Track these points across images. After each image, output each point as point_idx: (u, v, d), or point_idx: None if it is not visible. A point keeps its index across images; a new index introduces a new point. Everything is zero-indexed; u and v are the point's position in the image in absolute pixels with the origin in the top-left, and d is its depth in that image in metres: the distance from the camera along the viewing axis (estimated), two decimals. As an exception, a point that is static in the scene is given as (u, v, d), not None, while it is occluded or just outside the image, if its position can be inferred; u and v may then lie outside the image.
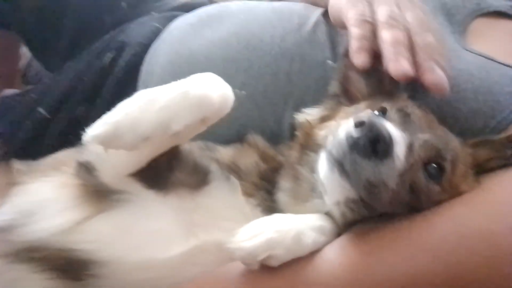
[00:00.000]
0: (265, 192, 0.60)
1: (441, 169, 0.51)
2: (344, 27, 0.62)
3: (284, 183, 0.59)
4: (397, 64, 0.52)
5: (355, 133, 0.45)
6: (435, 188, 0.51)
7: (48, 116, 0.80)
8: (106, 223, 0.55)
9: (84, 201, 0.57)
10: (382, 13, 0.56)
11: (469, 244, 0.47)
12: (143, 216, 0.56)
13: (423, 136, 0.51)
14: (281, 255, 0.47)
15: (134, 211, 0.56)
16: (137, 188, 0.56)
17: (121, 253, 0.54)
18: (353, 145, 0.45)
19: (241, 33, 0.76)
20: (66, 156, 0.66)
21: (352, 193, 0.48)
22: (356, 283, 0.46)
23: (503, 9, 0.76)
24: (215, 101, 0.53)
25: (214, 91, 0.53)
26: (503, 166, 0.55)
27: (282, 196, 0.58)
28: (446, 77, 0.53)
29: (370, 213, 0.51)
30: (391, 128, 0.47)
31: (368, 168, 0.45)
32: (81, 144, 0.63)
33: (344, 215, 0.52)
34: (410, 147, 0.48)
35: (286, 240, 0.47)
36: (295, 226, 0.49)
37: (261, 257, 0.46)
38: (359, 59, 0.56)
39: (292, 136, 0.65)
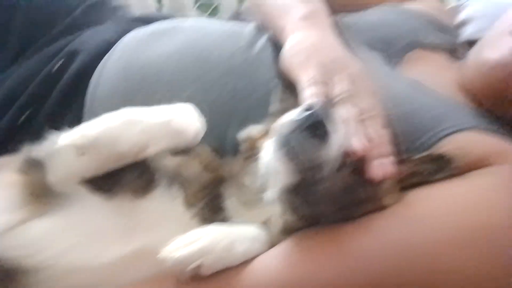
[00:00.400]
0: (208, 201, 0.61)
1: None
2: (291, 80, 0.64)
3: (228, 191, 0.61)
4: (353, 142, 0.52)
5: (303, 114, 0.49)
6: (366, 192, 0.54)
7: None
8: (41, 227, 0.55)
9: (22, 204, 0.57)
10: (339, 88, 0.58)
11: (389, 254, 0.51)
12: (82, 220, 0.56)
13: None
14: (211, 264, 0.49)
15: (73, 214, 0.56)
16: (81, 191, 0.57)
17: (54, 258, 0.54)
18: (300, 125, 0.49)
19: (191, 48, 0.79)
20: (6, 160, 0.65)
21: (290, 177, 0.50)
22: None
23: (434, 44, 0.84)
24: (190, 135, 0.59)
25: (191, 125, 0.59)
26: (424, 182, 0.60)
27: (229, 204, 0.61)
28: (386, 166, 0.54)
29: (307, 208, 0.53)
30: (333, 117, 0.50)
31: (311, 147, 0.48)
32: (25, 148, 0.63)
33: (284, 218, 0.55)
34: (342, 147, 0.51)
35: (217, 248, 0.50)
36: (228, 236, 0.51)
37: (191, 266, 0.48)
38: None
39: (236, 151, 0.68)
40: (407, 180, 0.61)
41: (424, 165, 0.61)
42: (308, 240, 0.53)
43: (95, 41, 0.88)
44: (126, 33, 0.90)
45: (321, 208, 0.53)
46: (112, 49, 0.86)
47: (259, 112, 0.70)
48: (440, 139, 0.64)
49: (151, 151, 0.55)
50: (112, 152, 0.53)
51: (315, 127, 0.48)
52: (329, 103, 0.57)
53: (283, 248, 0.53)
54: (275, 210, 0.55)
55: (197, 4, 1.65)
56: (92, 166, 0.55)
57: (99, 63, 0.84)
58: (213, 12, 1.66)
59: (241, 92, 0.74)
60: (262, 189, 0.56)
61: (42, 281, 0.53)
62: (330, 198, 0.52)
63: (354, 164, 0.52)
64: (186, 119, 0.59)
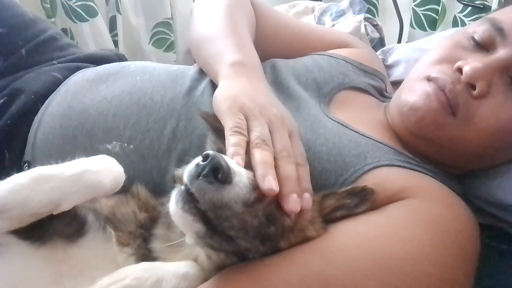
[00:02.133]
0: (142, 240, 0.63)
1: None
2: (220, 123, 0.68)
3: (159, 231, 0.63)
4: (265, 182, 0.56)
5: (201, 163, 0.52)
6: (288, 220, 0.57)
7: None
8: None
9: None
10: (255, 133, 0.62)
11: (308, 285, 0.54)
12: (11, 268, 0.56)
13: None
14: None
15: (3, 262, 0.56)
16: (9, 240, 0.57)
17: None
18: (199, 172, 0.51)
19: (133, 92, 0.82)
20: None
21: (197, 226, 0.53)
22: None
23: (361, 86, 0.92)
24: (106, 185, 0.58)
25: (106, 175, 0.59)
26: (346, 216, 0.65)
27: (157, 245, 0.62)
28: (307, 196, 0.58)
29: (229, 244, 0.55)
30: (232, 163, 0.54)
31: (211, 191, 0.51)
32: None
33: (209, 257, 0.57)
34: (255, 183, 0.54)
35: (143, 286, 0.51)
36: (156, 273, 0.53)
37: None
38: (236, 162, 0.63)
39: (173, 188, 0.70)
40: (332, 213, 0.66)
41: (347, 199, 0.66)
42: (232, 275, 0.56)
43: (40, 81, 0.89)
44: (72, 73, 0.93)
45: (241, 243, 0.55)
46: (56, 90, 0.88)
47: (199, 149, 0.74)
48: (362, 174, 0.70)
49: (64, 207, 0.54)
50: (24, 213, 0.53)
51: (214, 173, 0.51)
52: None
53: (208, 286, 0.56)
54: (199, 250, 0.58)
55: (153, 40, 1.69)
56: (7, 225, 0.55)
57: (42, 103, 0.85)
58: (169, 47, 1.71)
59: (181, 132, 0.77)
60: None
61: None
62: (247, 232, 0.54)
63: (269, 200, 0.56)
64: (100, 170, 0.58)
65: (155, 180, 0.74)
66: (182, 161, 0.73)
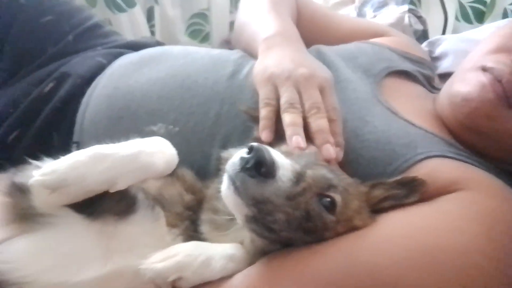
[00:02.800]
0: (190, 222, 0.64)
1: (332, 202, 0.57)
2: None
3: (204, 216, 0.63)
4: (293, 141, 0.62)
5: (245, 156, 0.52)
6: (330, 217, 0.56)
7: None
8: (25, 244, 0.57)
9: (8, 222, 0.58)
10: (283, 99, 0.67)
11: (356, 275, 0.53)
12: (64, 239, 0.58)
13: (317, 169, 0.58)
14: (189, 277, 0.51)
15: (56, 233, 0.58)
16: (66, 212, 0.58)
17: (35, 274, 0.55)
18: (243, 165, 0.52)
19: (177, 74, 0.82)
20: None
21: (246, 209, 0.53)
22: None
23: (410, 70, 0.89)
24: (159, 167, 0.61)
25: (160, 157, 0.61)
26: (396, 206, 0.63)
27: (204, 227, 0.63)
28: (338, 150, 0.65)
29: (271, 234, 0.55)
30: (276, 156, 0.54)
31: (253, 186, 0.52)
32: (12, 169, 0.65)
33: (254, 242, 0.57)
34: (299, 175, 0.55)
35: (194, 263, 0.52)
36: (206, 252, 0.54)
37: (170, 278, 0.50)
38: (264, 135, 0.67)
39: (219, 172, 0.70)
40: (380, 204, 0.64)
41: (396, 190, 0.64)
42: (278, 261, 0.55)
43: (86, 65, 0.92)
44: (116, 59, 0.95)
45: (284, 234, 0.55)
46: (102, 73, 0.90)
47: (243, 133, 0.74)
48: (412, 165, 0.67)
49: (120, 186, 0.56)
50: (81, 189, 0.55)
51: (256, 167, 0.51)
52: (275, 141, 0.65)
53: (255, 269, 0.55)
54: (246, 234, 0.58)
55: (188, 31, 1.71)
56: (65, 199, 0.57)
57: (89, 86, 0.88)
58: (204, 39, 1.71)
59: (225, 116, 0.77)
60: (234, 220, 0.58)
61: None
62: (291, 225, 0.54)
63: (315, 192, 0.55)
64: (155, 152, 0.60)
65: (199, 163, 0.74)
66: (226, 145, 0.74)
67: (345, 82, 0.82)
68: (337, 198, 0.57)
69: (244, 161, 0.52)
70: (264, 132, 0.66)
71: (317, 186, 0.56)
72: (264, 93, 0.69)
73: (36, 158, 0.61)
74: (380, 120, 0.74)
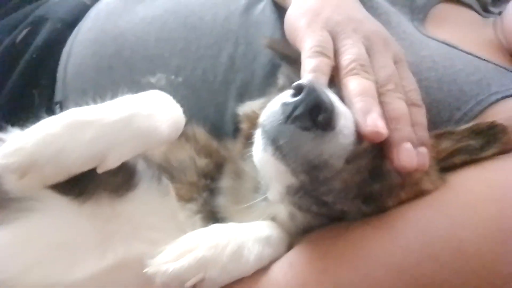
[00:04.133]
0: (209, 194, 0.51)
1: None
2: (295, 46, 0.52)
3: (224, 183, 0.51)
4: (368, 122, 0.41)
5: (290, 100, 0.37)
6: (397, 178, 0.43)
7: None
8: (1, 238, 0.44)
9: None
10: (347, 55, 0.46)
11: (434, 253, 0.40)
12: (50, 228, 0.45)
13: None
14: (216, 277, 0.38)
15: (38, 222, 0.45)
16: (48, 195, 0.45)
17: (17, 275, 0.42)
18: (289, 114, 0.37)
19: (178, 11, 0.68)
20: None
21: (291, 179, 0.40)
22: None
23: None
24: (163, 133, 0.44)
25: (163, 119, 0.44)
26: (469, 161, 0.49)
27: (221, 200, 0.50)
28: (423, 153, 0.43)
29: (321, 208, 0.43)
30: (337, 99, 0.39)
31: (306, 143, 0.37)
32: None
33: (293, 218, 0.45)
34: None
35: (222, 258, 0.39)
36: (235, 239, 0.41)
37: (190, 282, 0.37)
38: None
39: (236, 129, 0.56)
40: (449, 159, 0.50)
41: (469, 140, 0.50)
42: (328, 244, 0.42)
43: (66, 7, 0.77)
44: None
45: (338, 207, 0.43)
46: (86, 14, 0.74)
47: (264, 81, 0.60)
48: (486, 107, 0.53)
49: (111, 163, 0.42)
50: (59, 170, 0.41)
51: (313, 114, 0.37)
52: (330, 80, 0.45)
53: (301, 255, 0.42)
54: (280, 208, 0.45)
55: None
56: (42, 182, 0.43)
57: (71, 33, 0.72)
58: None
59: (240, 59, 0.63)
60: (261, 190, 0.46)
61: None
62: (347, 194, 0.42)
63: (376, 149, 0.41)
64: (154, 114, 0.44)
65: (211, 120, 0.61)
66: (243, 97, 0.60)
67: (386, 15, 0.65)
68: None
69: (289, 107, 0.37)
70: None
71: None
72: (314, 40, 0.48)
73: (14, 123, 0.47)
74: (439, 55, 0.59)
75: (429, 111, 0.54)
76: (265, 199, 0.46)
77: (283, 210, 0.45)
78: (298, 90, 0.37)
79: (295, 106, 0.37)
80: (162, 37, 0.65)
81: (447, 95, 0.55)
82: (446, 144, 0.50)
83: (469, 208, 0.43)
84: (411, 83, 0.48)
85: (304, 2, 0.55)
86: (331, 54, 0.47)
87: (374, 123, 0.40)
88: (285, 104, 0.38)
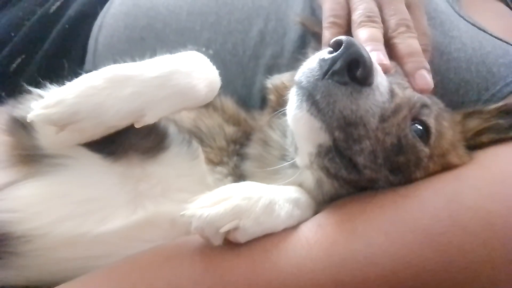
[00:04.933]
0: (240, 159, 0.51)
1: (427, 129, 0.44)
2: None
3: (252, 150, 0.51)
4: (374, 60, 0.44)
5: (328, 56, 0.38)
6: (424, 149, 0.44)
7: None
8: (33, 190, 0.45)
9: (10, 164, 0.46)
10: (357, 11, 0.52)
11: (462, 222, 0.40)
12: (81, 183, 0.46)
13: (407, 90, 0.45)
14: (249, 227, 0.38)
15: (71, 176, 0.46)
16: (80, 152, 0.46)
17: (48, 225, 0.43)
18: (327, 69, 0.38)
19: None
20: None
21: (324, 137, 0.40)
22: (336, 265, 0.38)
23: None
24: (201, 92, 0.44)
25: (201, 78, 0.44)
26: (497, 140, 0.49)
27: (248, 166, 0.51)
28: (430, 77, 0.49)
29: (350, 173, 0.43)
30: (373, 57, 0.41)
31: (343, 98, 0.38)
32: (11, 102, 0.53)
33: (320, 185, 0.45)
34: (392, 91, 0.42)
35: (255, 209, 0.39)
36: (267, 194, 0.41)
37: (225, 228, 0.37)
38: None
39: (263, 102, 0.57)
40: (476, 137, 0.50)
41: (497, 119, 0.50)
42: (356, 208, 0.42)
43: None
44: None
45: (367, 172, 0.42)
46: None
47: (293, 56, 0.60)
48: None
49: (149, 119, 0.42)
50: (98, 125, 0.41)
51: (351, 69, 0.37)
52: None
53: (330, 217, 0.42)
54: (307, 175, 0.45)
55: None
56: (79, 137, 0.44)
57: (103, 4, 0.73)
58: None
59: (270, 35, 0.63)
60: (292, 150, 0.46)
61: (36, 250, 0.43)
62: (377, 158, 0.42)
63: (408, 116, 0.43)
64: (193, 71, 0.44)
65: (239, 92, 0.61)
66: (272, 71, 0.60)
67: None
68: (432, 123, 0.44)
69: (327, 62, 0.37)
70: None
71: (409, 105, 0.43)
72: (329, 8, 0.53)
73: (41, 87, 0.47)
74: (469, 37, 0.59)
75: (457, 90, 0.55)
76: (293, 165, 0.46)
77: (310, 177, 0.45)
78: (337, 46, 0.37)
79: (334, 61, 0.37)
80: (193, 11, 0.65)
81: (475, 75, 0.55)
82: (474, 123, 0.51)
83: (498, 182, 0.43)
84: (422, 26, 0.54)
85: None
86: (344, 20, 0.53)
87: (379, 57, 0.45)
88: (322, 60, 0.38)
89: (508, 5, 0.77)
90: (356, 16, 0.51)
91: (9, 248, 0.43)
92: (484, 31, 0.61)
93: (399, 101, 0.42)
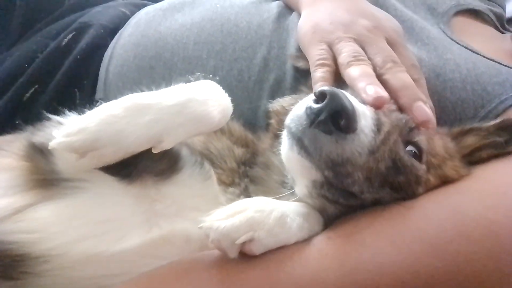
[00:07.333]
0: (250, 180, 0.53)
1: (419, 149, 0.46)
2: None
3: (255, 173, 0.53)
4: (369, 92, 0.48)
5: (315, 105, 0.41)
6: (420, 166, 0.46)
7: None
8: (51, 211, 0.47)
9: (28, 188, 0.48)
10: (343, 54, 0.54)
11: (467, 232, 0.42)
12: (97, 205, 0.47)
13: (388, 113, 0.47)
14: (264, 238, 0.40)
15: (87, 198, 0.48)
16: (96, 175, 0.48)
17: (66, 245, 0.45)
18: (313, 119, 0.40)
19: (215, 18, 0.72)
20: (7, 140, 0.57)
21: (315, 174, 0.42)
22: (348, 275, 0.40)
23: (481, 9, 0.76)
24: (215, 119, 0.47)
25: (214, 106, 0.47)
26: (496, 156, 0.51)
27: (253, 188, 0.52)
28: (427, 107, 0.50)
29: (349, 200, 0.45)
30: (355, 101, 0.43)
31: (329, 144, 0.40)
32: (29, 128, 0.55)
33: (323, 207, 0.46)
34: (378, 121, 0.44)
35: (269, 221, 0.40)
36: (279, 208, 0.42)
37: (241, 239, 0.39)
38: None
39: (268, 124, 0.59)
40: (475, 153, 0.52)
41: (495, 136, 0.52)
42: (365, 221, 0.44)
43: (108, 15, 0.82)
44: (138, 9, 0.84)
45: (368, 196, 0.44)
46: (126, 23, 0.79)
47: (295, 81, 0.63)
48: (510, 105, 0.56)
49: (166, 144, 0.44)
50: (118, 151, 0.44)
51: (334, 120, 0.40)
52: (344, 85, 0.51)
53: (341, 230, 0.44)
54: (310, 201, 0.46)
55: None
56: (98, 163, 0.46)
57: (112, 38, 0.77)
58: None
59: (273, 61, 0.66)
60: (291, 180, 0.48)
61: (53, 270, 0.44)
62: (374, 183, 0.44)
63: (395, 136, 0.45)
64: (208, 99, 0.46)
65: (245, 116, 0.63)
66: (276, 95, 0.62)
67: (410, 22, 0.69)
68: (422, 141, 0.47)
69: (313, 112, 0.40)
70: None
71: (399, 129, 0.45)
72: (315, 55, 0.55)
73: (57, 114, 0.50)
74: (462, 59, 0.62)
75: (454, 108, 0.58)
76: (292, 193, 0.48)
77: (312, 203, 0.46)
78: (321, 97, 0.40)
79: (319, 111, 0.40)
80: (200, 41, 0.69)
81: (471, 94, 0.57)
82: (473, 140, 0.53)
83: (499, 193, 0.45)
84: (408, 59, 0.55)
85: (306, 20, 0.62)
86: (331, 62, 0.54)
87: (375, 91, 0.47)
88: (309, 109, 0.41)
89: (497, 28, 0.81)
90: (342, 58, 0.53)
91: (27, 268, 0.44)
92: (476, 53, 0.65)
93: (387, 129, 0.44)
